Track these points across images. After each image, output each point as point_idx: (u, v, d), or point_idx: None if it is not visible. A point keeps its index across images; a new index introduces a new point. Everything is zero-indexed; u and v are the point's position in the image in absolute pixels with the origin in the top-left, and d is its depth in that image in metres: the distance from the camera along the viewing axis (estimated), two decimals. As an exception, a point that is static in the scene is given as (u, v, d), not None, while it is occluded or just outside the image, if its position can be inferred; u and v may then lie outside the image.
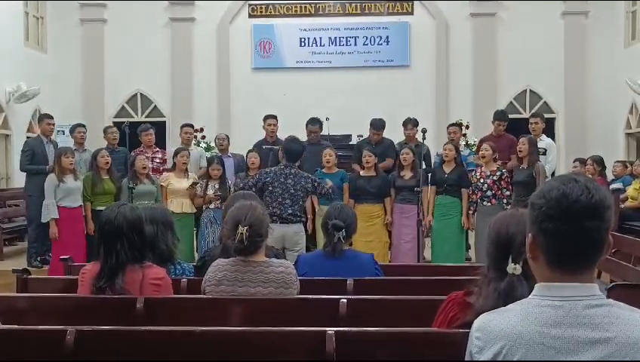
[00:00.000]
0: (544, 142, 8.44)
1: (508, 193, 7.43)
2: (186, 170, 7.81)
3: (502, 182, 7.44)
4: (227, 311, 3.20)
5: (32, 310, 3.38)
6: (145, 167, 7.58)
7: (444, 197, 7.59)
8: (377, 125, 8.37)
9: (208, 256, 3.89)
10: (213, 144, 11.46)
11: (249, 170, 7.88)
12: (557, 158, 8.85)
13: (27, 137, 11.04)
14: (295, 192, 6.27)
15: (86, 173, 7.85)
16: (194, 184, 7.58)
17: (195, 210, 7.66)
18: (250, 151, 8.15)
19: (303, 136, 8.87)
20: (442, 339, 2.40)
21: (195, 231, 7.83)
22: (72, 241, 7.33)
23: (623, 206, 9.12)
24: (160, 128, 13.26)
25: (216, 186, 7.48)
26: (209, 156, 8.87)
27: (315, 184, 6.44)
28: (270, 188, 6.25)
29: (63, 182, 7.37)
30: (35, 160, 8.64)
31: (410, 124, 8.59)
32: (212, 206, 7.46)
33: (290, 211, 6.16)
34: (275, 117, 8.99)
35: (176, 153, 7.89)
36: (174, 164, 7.85)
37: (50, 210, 7.37)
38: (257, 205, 3.39)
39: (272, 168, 6.59)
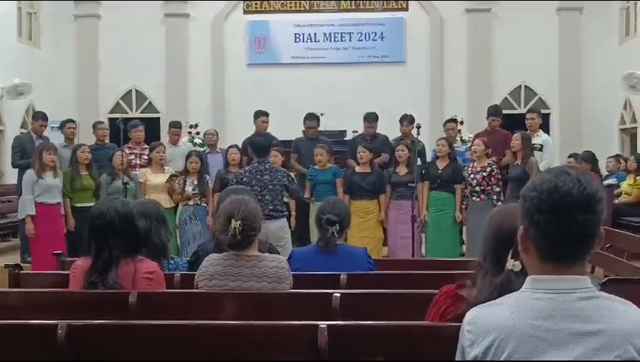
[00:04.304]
0: (541, 138, 8.41)
1: (497, 189, 7.46)
2: (162, 165, 7.79)
3: (492, 179, 7.46)
4: (220, 305, 3.19)
5: (24, 305, 3.36)
6: (122, 163, 7.53)
7: (438, 192, 7.62)
8: (370, 117, 8.58)
9: (202, 251, 3.90)
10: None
11: (229, 165, 7.84)
12: (553, 155, 8.84)
13: (21, 133, 11.01)
14: (273, 187, 6.27)
15: (65, 169, 7.72)
16: (172, 177, 7.55)
17: (173, 205, 7.62)
18: (230, 146, 8.11)
19: (298, 132, 8.90)
20: (435, 333, 2.39)
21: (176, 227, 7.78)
22: (51, 238, 7.18)
23: (617, 201, 9.14)
24: (154, 124, 13.29)
25: (195, 183, 7.48)
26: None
27: (290, 179, 6.46)
28: (249, 188, 6.22)
29: (42, 179, 7.24)
30: (25, 156, 8.60)
31: (406, 120, 8.62)
32: (191, 202, 7.46)
33: (271, 207, 6.15)
34: (266, 113, 8.98)
35: (151, 148, 7.89)
36: (150, 159, 7.85)
37: (27, 207, 7.23)
38: (250, 199, 3.39)
39: (247, 167, 6.58)
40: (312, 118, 8.65)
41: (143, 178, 7.69)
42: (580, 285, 1.51)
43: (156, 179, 7.63)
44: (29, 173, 7.32)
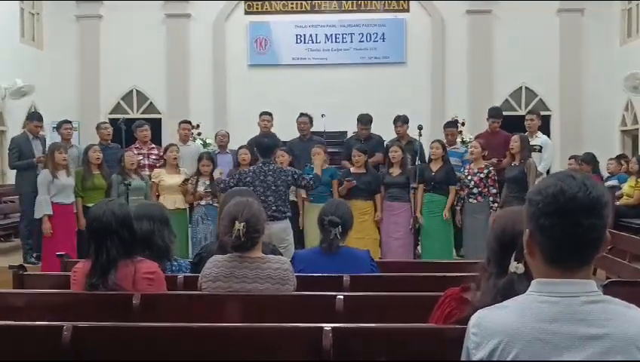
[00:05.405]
0: (540, 139, 8.44)
1: (494, 191, 7.52)
2: (177, 165, 7.82)
3: (488, 180, 7.52)
4: (224, 307, 3.19)
5: (28, 306, 3.36)
6: (133, 163, 7.57)
7: (432, 194, 7.64)
8: (364, 120, 8.56)
9: (205, 252, 3.90)
10: (209, 140, 11.49)
11: (240, 166, 7.84)
12: (552, 156, 8.84)
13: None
14: (277, 188, 6.26)
15: (77, 169, 7.76)
16: (185, 181, 7.58)
17: (187, 206, 7.66)
18: (241, 147, 8.13)
19: (296, 133, 8.92)
20: (439, 335, 2.39)
21: (189, 227, 7.82)
22: (65, 238, 7.23)
23: (618, 203, 9.15)
24: (156, 125, 13.26)
25: (207, 183, 7.51)
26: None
27: (295, 176, 6.44)
28: (252, 188, 6.22)
29: (57, 178, 7.29)
30: (22, 157, 8.60)
31: (400, 121, 8.64)
32: (203, 202, 7.49)
33: (274, 208, 6.14)
34: (270, 114, 9.08)
35: (165, 149, 7.91)
36: (165, 160, 7.87)
37: (44, 207, 7.26)
38: (254, 201, 3.39)
39: (251, 167, 6.58)
40: (302, 116, 8.79)
41: (157, 178, 7.69)
42: (585, 289, 1.51)
43: (171, 179, 7.63)
44: (44, 173, 7.35)
